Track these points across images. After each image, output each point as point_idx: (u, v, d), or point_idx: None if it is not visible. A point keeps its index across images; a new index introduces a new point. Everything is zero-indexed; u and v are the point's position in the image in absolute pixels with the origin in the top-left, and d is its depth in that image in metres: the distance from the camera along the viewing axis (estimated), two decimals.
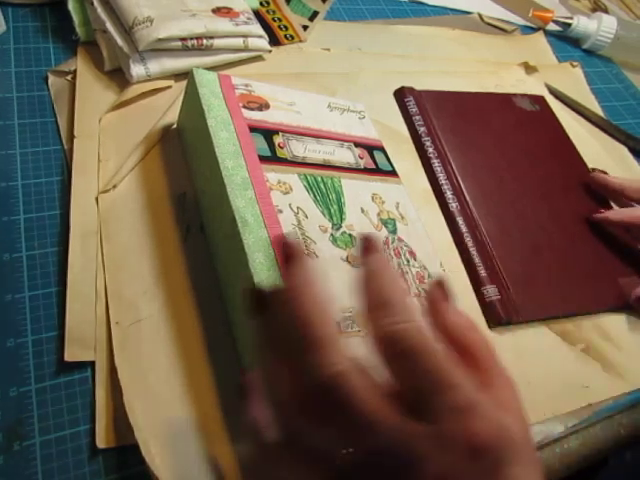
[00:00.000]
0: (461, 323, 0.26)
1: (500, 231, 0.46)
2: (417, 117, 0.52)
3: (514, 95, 0.58)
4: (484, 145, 0.52)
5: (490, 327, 0.41)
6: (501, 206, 0.48)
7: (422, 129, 0.51)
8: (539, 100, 0.59)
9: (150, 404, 0.33)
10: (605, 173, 0.52)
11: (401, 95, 0.55)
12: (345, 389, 0.22)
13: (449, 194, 0.47)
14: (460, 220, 0.46)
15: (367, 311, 0.24)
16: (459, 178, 0.48)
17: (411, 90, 0.54)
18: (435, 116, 0.52)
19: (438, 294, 0.27)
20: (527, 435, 0.23)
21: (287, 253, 0.26)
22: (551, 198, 0.50)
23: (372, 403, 0.21)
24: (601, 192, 0.51)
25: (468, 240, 0.45)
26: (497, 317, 0.41)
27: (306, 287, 0.24)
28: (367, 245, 0.26)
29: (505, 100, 0.57)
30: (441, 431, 0.21)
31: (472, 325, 0.26)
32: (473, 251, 0.44)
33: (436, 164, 0.49)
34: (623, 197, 0.49)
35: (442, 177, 0.48)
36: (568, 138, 0.56)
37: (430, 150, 0.50)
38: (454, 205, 0.47)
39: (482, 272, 0.43)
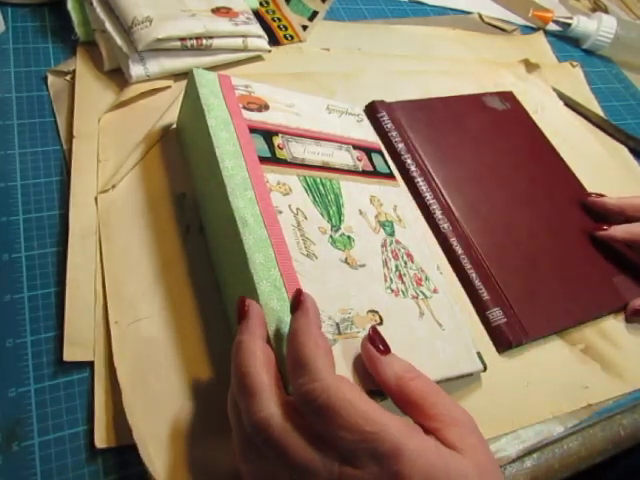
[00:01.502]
0: (399, 375, 0.28)
1: (494, 247, 0.45)
2: (393, 133, 0.50)
3: (483, 95, 0.57)
4: (463, 155, 0.51)
5: (499, 352, 0.40)
6: (491, 218, 0.47)
7: (400, 145, 0.49)
8: (509, 97, 0.58)
9: (149, 404, 0.33)
10: (602, 195, 0.49)
11: (373, 110, 0.52)
12: (268, 432, 0.25)
13: (438, 214, 0.46)
14: (454, 241, 0.44)
15: (288, 371, 0.27)
16: (445, 195, 0.47)
17: (382, 103, 0.52)
18: (411, 129, 0.51)
19: (370, 350, 0.29)
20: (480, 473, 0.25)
21: (241, 311, 0.30)
22: (537, 203, 0.49)
23: (290, 444, 0.25)
24: (601, 214, 0.49)
25: (465, 262, 0.43)
26: (506, 342, 0.40)
27: (249, 342, 0.28)
28: (294, 301, 0.29)
29: (476, 101, 0.56)
30: (365, 476, 0.24)
31: (411, 372, 0.28)
32: (472, 273, 0.43)
33: (420, 182, 0.47)
34: (624, 218, 0.48)
35: (429, 196, 0.47)
36: (543, 135, 0.56)
37: (412, 168, 0.48)
38: (445, 226, 0.45)
39: (484, 295, 0.42)
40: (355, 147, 0.44)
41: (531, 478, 0.36)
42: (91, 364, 0.34)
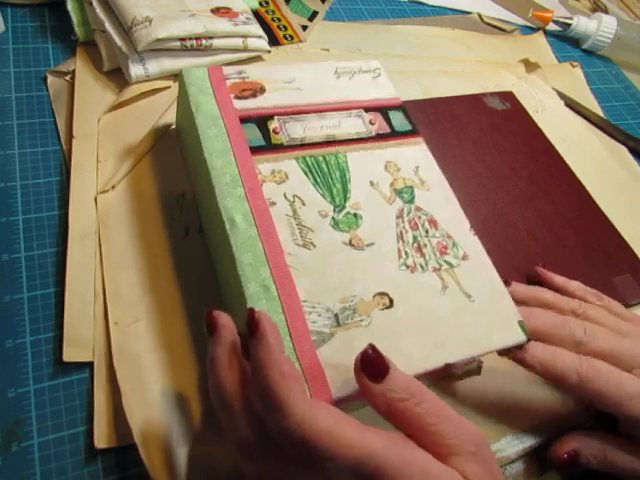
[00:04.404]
0: (393, 407, 0.26)
1: (494, 248, 0.43)
2: None
3: (484, 95, 0.57)
4: (463, 155, 0.51)
5: (500, 354, 0.40)
6: (490, 219, 0.46)
7: None
8: (509, 97, 0.58)
9: (149, 404, 0.33)
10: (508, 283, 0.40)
11: None
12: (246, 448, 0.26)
13: None
14: None
15: (259, 406, 0.26)
16: None
17: None
18: None
19: (360, 380, 0.27)
20: None
21: (213, 323, 0.29)
22: (536, 202, 0.49)
23: (269, 458, 0.26)
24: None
25: None
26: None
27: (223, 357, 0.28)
28: (248, 325, 0.27)
29: (476, 101, 0.56)
30: None
31: (407, 401, 0.26)
32: None
33: None
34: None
35: None
36: (543, 135, 0.56)
37: None
38: None
39: None
40: (368, 109, 0.42)
41: (531, 478, 0.36)
42: (91, 364, 0.34)
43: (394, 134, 0.41)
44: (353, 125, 0.40)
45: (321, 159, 0.38)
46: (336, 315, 0.31)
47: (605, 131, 0.62)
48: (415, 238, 0.35)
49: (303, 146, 0.38)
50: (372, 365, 0.26)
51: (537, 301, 0.39)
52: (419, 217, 0.36)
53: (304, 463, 0.25)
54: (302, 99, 0.41)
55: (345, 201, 0.36)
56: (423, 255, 0.35)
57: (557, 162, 0.54)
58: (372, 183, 0.37)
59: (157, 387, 0.34)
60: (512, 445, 0.36)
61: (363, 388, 0.26)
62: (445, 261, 0.35)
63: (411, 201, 0.37)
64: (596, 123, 0.62)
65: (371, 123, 0.41)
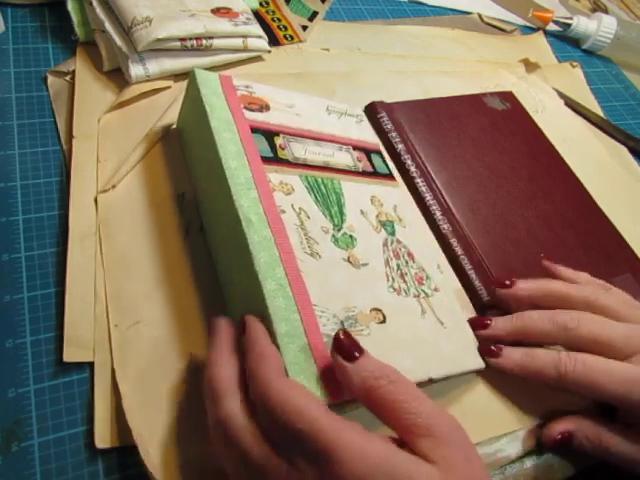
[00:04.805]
0: (368, 384, 0.27)
1: (494, 247, 0.45)
2: (393, 134, 0.50)
3: (484, 95, 0.57)
4: (463, 155, 0.51)
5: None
6: (490, 219, 0.47)
7: (400, 146, 0.49)
8: (509, 97, 0.59)
9: (149, 405, 0.33)
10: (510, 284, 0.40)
11: (373, 111, 0.52)
12: (228, 426, 0.27)
13: (438, 214, 0.46)
14: (454, 242, 0.44)
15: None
16: (445, 195, 0.47)
17: (382, 104, 0.52)
18: (411, 130, 0.51)
19: (335, 359, 0.28)
20: None
21: (212, 328, 0.32)
22: (536, 202, 0.49)
23: (245, 438, 0.26)
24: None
25: (465, 262, 0.43)
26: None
27: (215, 357, 0.30)
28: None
29: (476, 101, 0.56)
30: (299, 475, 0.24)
31: (382, 379, 0.27)
32: (472, 273, 0.43)
33: (420, 183, 0.47)
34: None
35: (429, 197, 0.46)
36: (543, 135, 0.56)
37: (412, 169, 0.48)
38: (445, 226, 0.45)
39: (484, 295, 0.42)
40: (355, 148, 0.44)
41: (531, 478, 0.36)
42: (91, 365, 0.34)
43: (376, 174, 0.44)
44: (344, 158, 0.43)
45: (320, 181, 0.39)
46: (342, 322, 0.32)
47: (605, 131, 0.62)
48: (398, 266, 0.38)
49: (305, 166, 0.39)
50: (344, 345, 0.28)
51: (547, 293, 0.39)
52: (400, 249, 0.39)
53: (273, 442, 0.26)
54: (302, 124, 0.43)
55: (342, 222, 0.38)
56: (405, 282, 0.37)
57: (557, 162, 0.54)
58: (362, 212, 0.40)
59: (157, 388, 0.34)
60: (512, 445, 0.36)
61: (338, 368, 0.28)
62: (422, 290, 0.38)
63: (393, 234, 0.40)
64: (596, 123, 0.62)
65: (358, 160, 0.43)
